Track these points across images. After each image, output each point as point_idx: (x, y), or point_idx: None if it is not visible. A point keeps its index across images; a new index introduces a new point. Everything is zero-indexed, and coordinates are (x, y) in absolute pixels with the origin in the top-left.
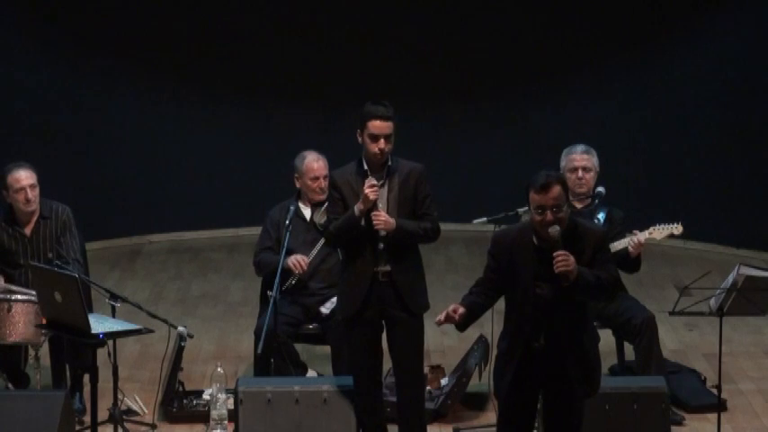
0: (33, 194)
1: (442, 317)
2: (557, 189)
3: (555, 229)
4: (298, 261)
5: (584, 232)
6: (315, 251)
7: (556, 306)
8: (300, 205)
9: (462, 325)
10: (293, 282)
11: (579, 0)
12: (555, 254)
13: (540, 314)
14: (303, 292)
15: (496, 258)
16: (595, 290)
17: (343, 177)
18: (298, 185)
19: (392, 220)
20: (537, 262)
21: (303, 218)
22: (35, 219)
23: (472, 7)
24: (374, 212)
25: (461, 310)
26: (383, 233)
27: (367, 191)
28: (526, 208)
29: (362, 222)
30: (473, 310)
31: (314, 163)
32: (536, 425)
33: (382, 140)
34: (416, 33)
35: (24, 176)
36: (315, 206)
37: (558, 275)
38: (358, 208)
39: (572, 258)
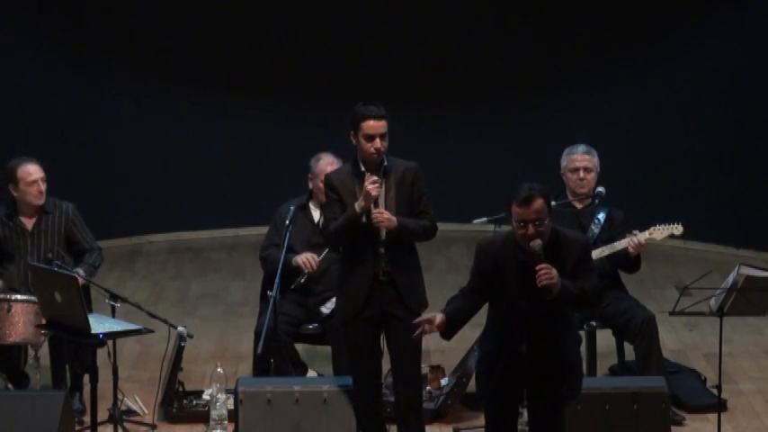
0: (44, 187)
1: (419, 330)
2: (539, 202)
3: (537, 243)
4: (308, 259)
5: (566, 242)
6: (323, 255)
7: (539, 316)
8: (311, 206)
9: (447, 333)
10: (302, 280)
11: (579, 1)
12: (537, 267)
13: (523, 324)
14: (304, 293)
15: (481, 269)
16: (579, 301)
17: (339, 178)
18: (310, 186)
19: (393, 218)
20: (521, 276)
21: (311, 219)
22: (38, 213)
23: (470, 9)
24: (375, 210)
25: (439, 319)
26: (384, 232)
27: (369, 186)
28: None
29: (363, 219)
30: (458, 318)
31: (328, 166)
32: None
33: (378, 140)
34: (417, 35)
35: (35, 169)
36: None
37: (541, 289)
38: (359, 205)
39: (555, 272)
